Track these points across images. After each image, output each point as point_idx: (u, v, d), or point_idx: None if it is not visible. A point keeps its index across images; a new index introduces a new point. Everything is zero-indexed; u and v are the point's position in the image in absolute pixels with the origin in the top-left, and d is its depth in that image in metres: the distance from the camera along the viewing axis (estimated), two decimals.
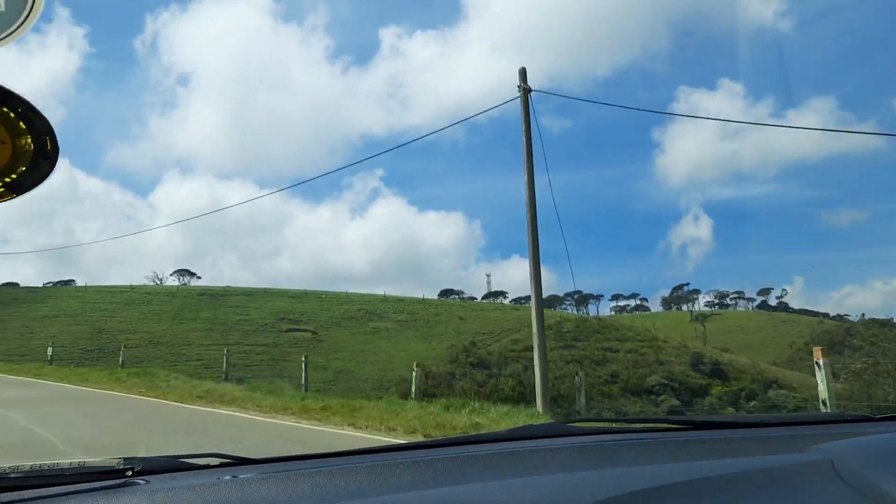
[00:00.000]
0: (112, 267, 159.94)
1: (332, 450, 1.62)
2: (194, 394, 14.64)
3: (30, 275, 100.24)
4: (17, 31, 0.88)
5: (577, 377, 14.27)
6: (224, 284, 79.55)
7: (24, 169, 0.88)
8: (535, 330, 11.98)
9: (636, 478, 1.31)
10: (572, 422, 2.20)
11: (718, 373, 51.82)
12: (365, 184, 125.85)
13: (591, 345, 56.90)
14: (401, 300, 79.03)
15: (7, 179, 0.89)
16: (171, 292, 75.31)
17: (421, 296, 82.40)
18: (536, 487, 1.27)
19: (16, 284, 78.74)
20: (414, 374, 14.27)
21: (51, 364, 29.21)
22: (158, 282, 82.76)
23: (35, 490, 1.20)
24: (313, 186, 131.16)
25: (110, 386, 18.30)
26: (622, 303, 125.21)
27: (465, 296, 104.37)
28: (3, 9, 0.86)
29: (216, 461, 1.49)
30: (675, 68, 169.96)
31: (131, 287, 77.08)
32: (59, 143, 0.87)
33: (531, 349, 12.40)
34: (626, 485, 1.23)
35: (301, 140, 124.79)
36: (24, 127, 0.84)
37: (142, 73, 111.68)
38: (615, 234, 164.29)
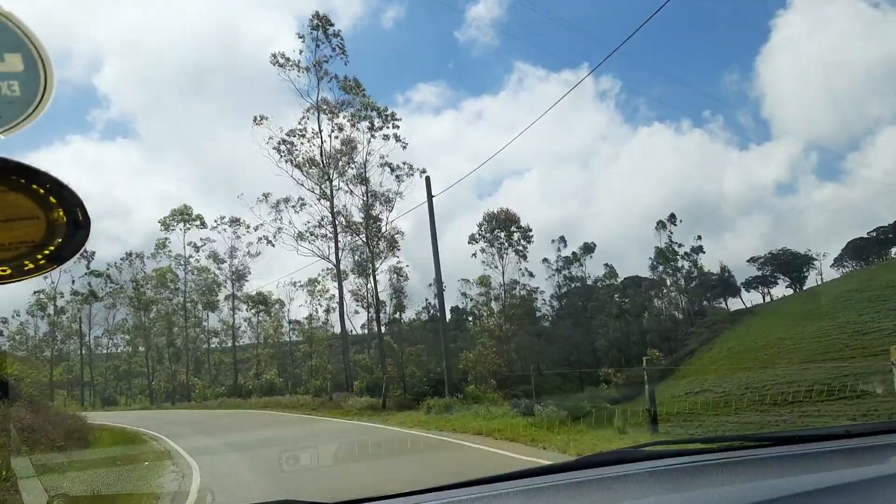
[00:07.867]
0: None
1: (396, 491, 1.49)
2: None
3: None
4: (34, 114, 0.91)
5: None
6: None
7: (60, 240, 0.95)
8: None
9: (716, 501, 1.24)
10: (644, 445, 2.00)
11: None
12: None
13: None
14: None
15: (46, 252, 0.95)
16: None
17: None
18: None
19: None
20: None
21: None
22: None
23: None
24: None
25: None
26: None
27: None
28: (18, 94, 0.89)
29: None
30: None
31: None
32: (89, 213, 0.95)
33: None
34: None
35: None
36: (54, 201, 0.91)
37: None
38: None
